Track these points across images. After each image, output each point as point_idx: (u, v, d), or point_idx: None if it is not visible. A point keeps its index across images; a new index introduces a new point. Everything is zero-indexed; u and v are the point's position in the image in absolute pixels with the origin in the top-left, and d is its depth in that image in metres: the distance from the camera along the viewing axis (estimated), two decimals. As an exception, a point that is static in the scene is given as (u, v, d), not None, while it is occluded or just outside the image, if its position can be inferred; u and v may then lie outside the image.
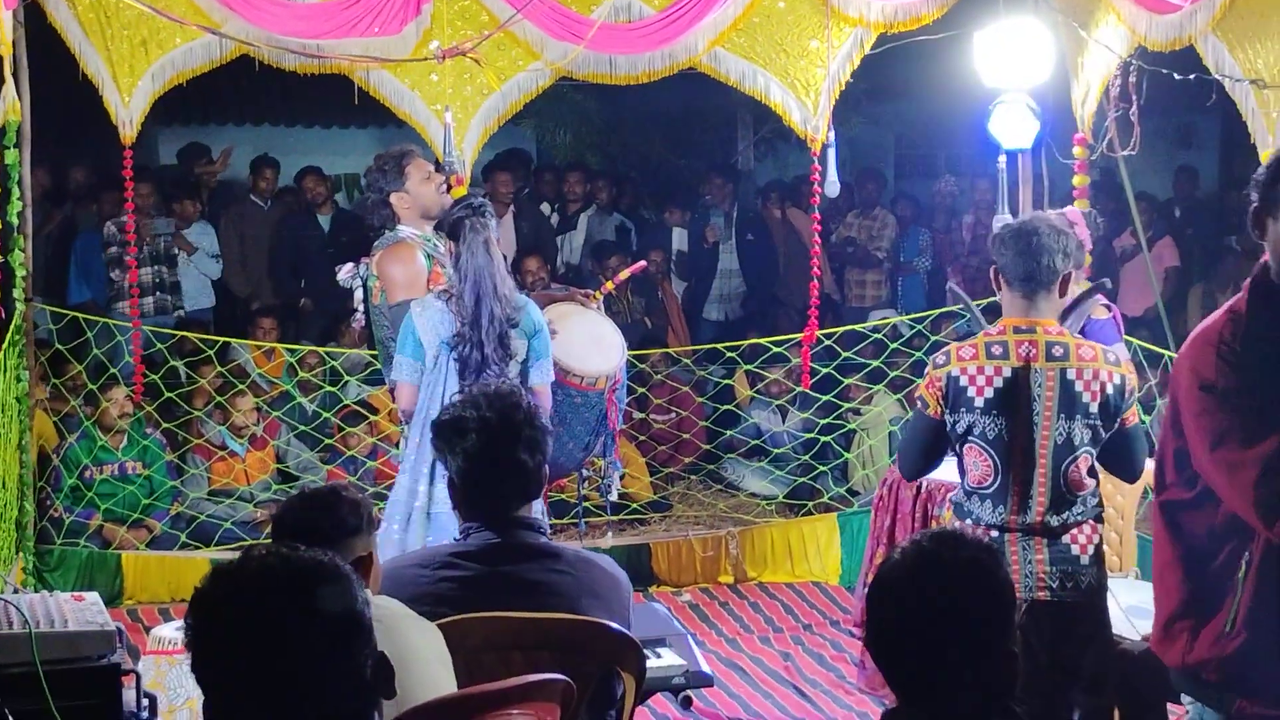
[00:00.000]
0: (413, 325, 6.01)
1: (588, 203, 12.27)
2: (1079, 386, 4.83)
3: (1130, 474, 5.13)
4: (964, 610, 2.75)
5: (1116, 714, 5.11)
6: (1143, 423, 5.06)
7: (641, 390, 9.57)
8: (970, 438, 4.93)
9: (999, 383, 4.88)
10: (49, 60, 7.53)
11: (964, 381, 4.92)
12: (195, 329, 10.07)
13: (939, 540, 2.86)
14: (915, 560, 2.81)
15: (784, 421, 9.99)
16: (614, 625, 4.19)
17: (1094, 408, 4.84)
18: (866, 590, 2.89)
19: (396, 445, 9.03)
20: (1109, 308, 6.38)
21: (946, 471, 5.33)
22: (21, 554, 7.85)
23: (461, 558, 4.13)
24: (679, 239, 12.26)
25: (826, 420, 9.69)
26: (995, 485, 4.91)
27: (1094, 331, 6.31)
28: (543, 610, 4.09)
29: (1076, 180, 8.31)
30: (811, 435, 9.76)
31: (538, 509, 5.76)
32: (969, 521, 4.96)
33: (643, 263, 8.52)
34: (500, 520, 4.16)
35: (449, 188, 6.97)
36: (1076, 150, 8.22)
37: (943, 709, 2.74)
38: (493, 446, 4.15)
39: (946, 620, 2.74)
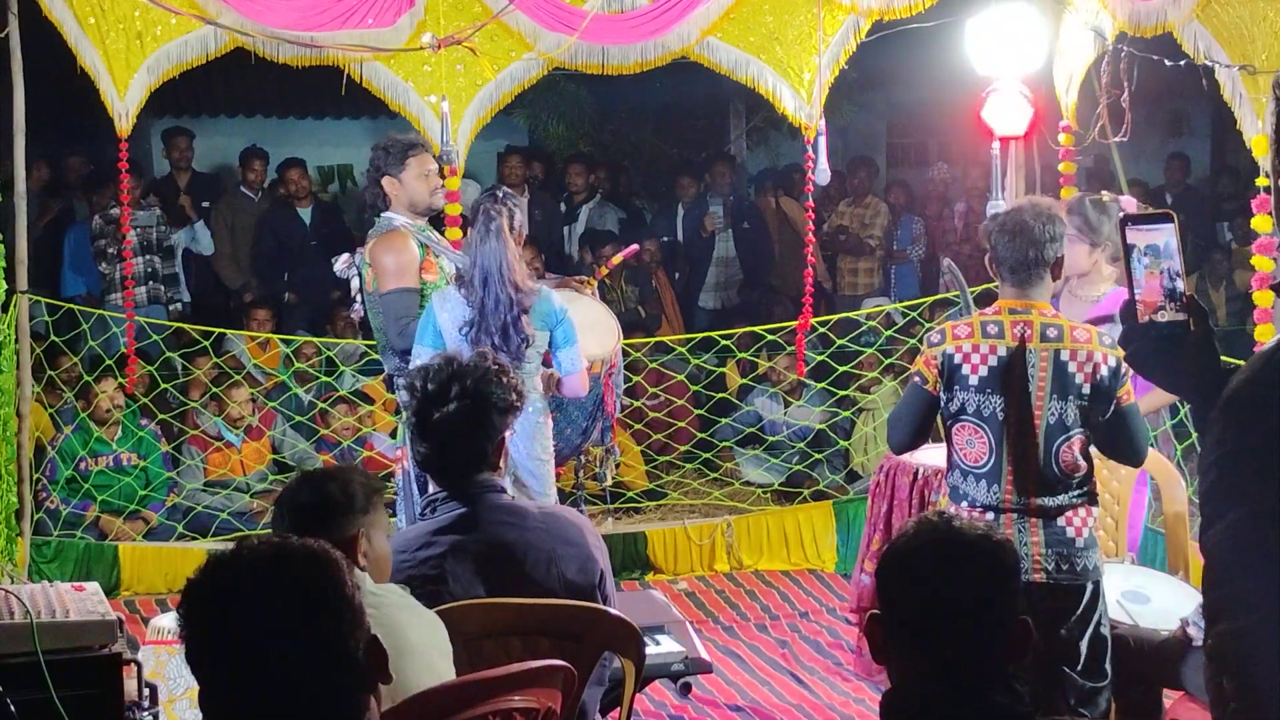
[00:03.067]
0: (434, 316, 6.07)
1: (591, 194, 12.32)
2: (1072, 368, 4.87)
3: (1134, 455, 5.11)
4: (979, 578, 2.78)
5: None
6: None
7: (636, 379, 9.59)
8: (964, 416, 4.97)
9: (993, 361, 4.92)
10: (46, 53, 7.53)
11: (959, 359, 4.96)
12: (186, 321, 10.09)
13: (948, 517, 2.90)
14: (931, 533, 2.84)
15: (786, 411, 10.00)
16: (613, 611, 4.23)
17: (1086, 389, 4.87)
18: (879, 564, 2.91)
19: (393, 434, 9.05)
20: None
21: (942, 457, 5.35)
22: (8, 544, 7.85)
23: (436, 534, 4.25)
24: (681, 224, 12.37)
25: (822, 408, 9.73)
26: (990, 464, 4.95)
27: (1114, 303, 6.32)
28: (522, 566, 4.21)
29: (1063, 168, 8.32)
30: (807, 424, 9.79)
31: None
32: (964, 505, 4.99)
33: (635, 246, 8.53)
34: (459, 487, 4.31)
35: (443, 179, 7.01)
36: (1063, 138, 8.24)
37: (954, 681, 2.76)
38: (425, 416, 4.33)
39: (963, 588, 2.77)
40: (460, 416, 4.30)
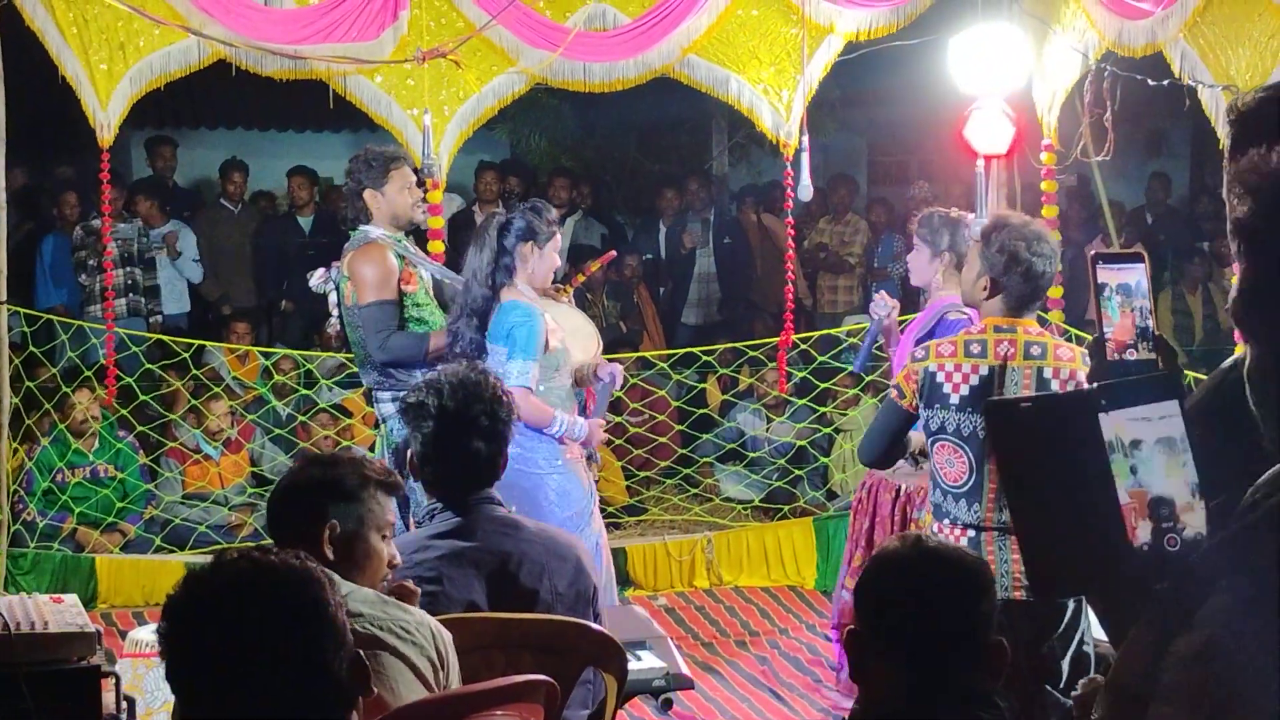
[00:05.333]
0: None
1: (573, 208, 12.34)
2: (1055, 385, 4.89)
3: None
4: (956, 596, 2.79)
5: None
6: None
7: (616, 394, 9.58)
8: (943, 435, 4.98)
9: (974, 380, 4.94)
10: (28, 62, 7.50)
11: (940, 378, 4.98)
12: (170, 334, 10.07)
13: (925, 536, 2.91)
14: (909, 549, 2.85)
15: (768, 427, 10.01)
16: (595, 626, 4.23)
17: None
18: (857, 581, 2.92)
19: (372, 448, 9.02)
20: (964, 311, 6.48)
21: (923, 474, 5.36)
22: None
23: (434, 538, 4.28)
24: (663, 239, 12.39)
25: (803, 424, 9.74)
26: (970, 483, 4.96)
27: (945, 330, 6.46)
28: (517, 575, 4.24)
29: (1045, 186, 8.35)
30: (788, 440, 9.80)
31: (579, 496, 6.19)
32: (946, 522, 5.00)
33: (612, 252, 8.54)
34: (460, 502, 4.33)
35: (425, 194, 7.01)
36: (1045, 157, 8.26)
37: (928, 700, 2.76)
38: (448, 435, 4.33)
39: (939, 605, 2.77)
40: (483, 436, 4.34)
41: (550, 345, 6.18)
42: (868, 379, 9.70)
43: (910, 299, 12.51)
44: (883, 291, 7.13)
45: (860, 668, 2.85)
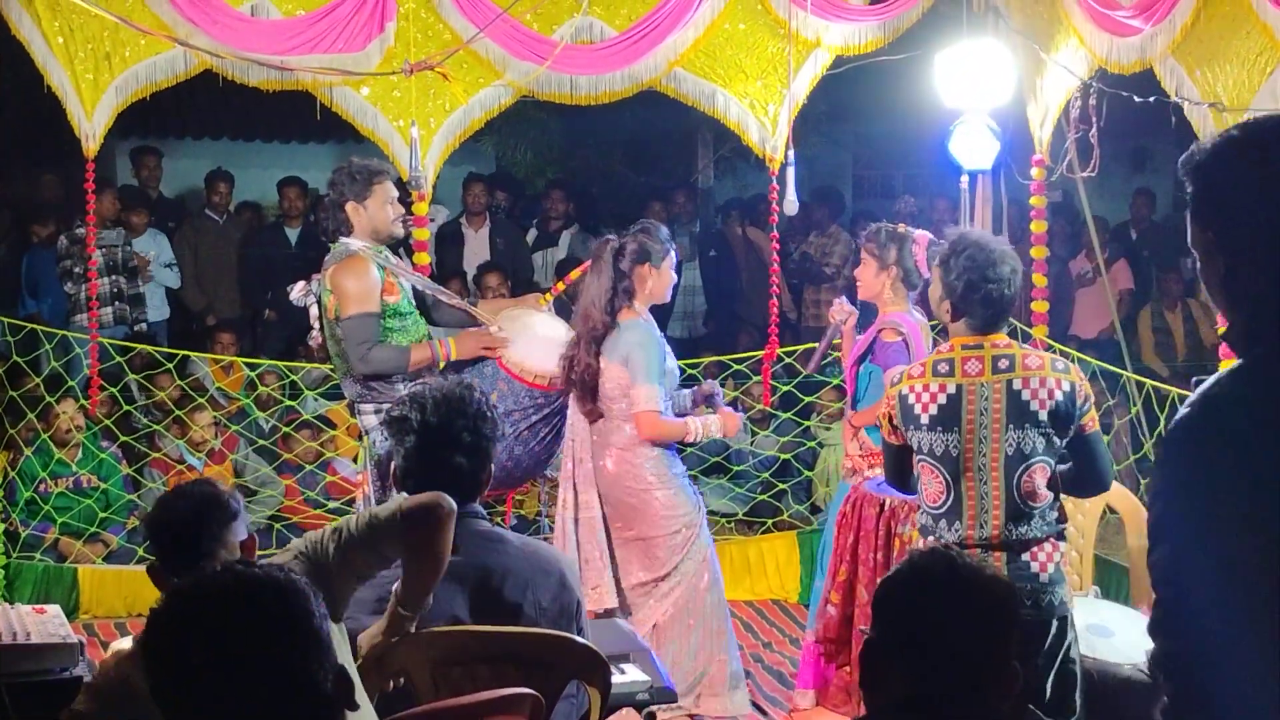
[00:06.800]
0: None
1: (568, 221, 12.36)
2: (1026, 396, 4.88)
3: (1098, 485, 5.14)
4: (991, 614, 2.80)
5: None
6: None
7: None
8: (919, 456, 4.98)
9: (943, 399, 4.93)
10: (12, 72, 7.49)
11: (911, 399, 4.98)
12: (149, 342, 10.04)
13: (959, 554, 2.91)
14: (947, 561, 2.86)
15: (753, 440, 10.01)
16: (579, 639, 4.22)
17: (1044, 416, 4.88)
18: (881, 584, 2.91)
19: (355, 459, 9.02)
20: (899, 331, 6.50)
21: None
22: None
23: None
24: None
25: (787, 438, 9.74)
26: (949, 502, 4.95)
27: (883, 354, 6.49)
28: (500, 589, 4.21)
29: (1034, 201, 8.36)
30: (772, 453, 9.80)
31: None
32: (931, 539, 4.99)
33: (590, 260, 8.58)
34: None
35: (410, 207, 7.01)
36: (1035, 172, 8.28)
37: (938, 714, 2.76)
38: (430, 450, 4.30)
39: (960, 627, 2.78)
40: (466, 451, 4.31)
41: (666, 366, 6.41)
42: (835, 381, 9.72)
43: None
44: (843, 298, 7.16)
45: (870, 674, 2.85)
